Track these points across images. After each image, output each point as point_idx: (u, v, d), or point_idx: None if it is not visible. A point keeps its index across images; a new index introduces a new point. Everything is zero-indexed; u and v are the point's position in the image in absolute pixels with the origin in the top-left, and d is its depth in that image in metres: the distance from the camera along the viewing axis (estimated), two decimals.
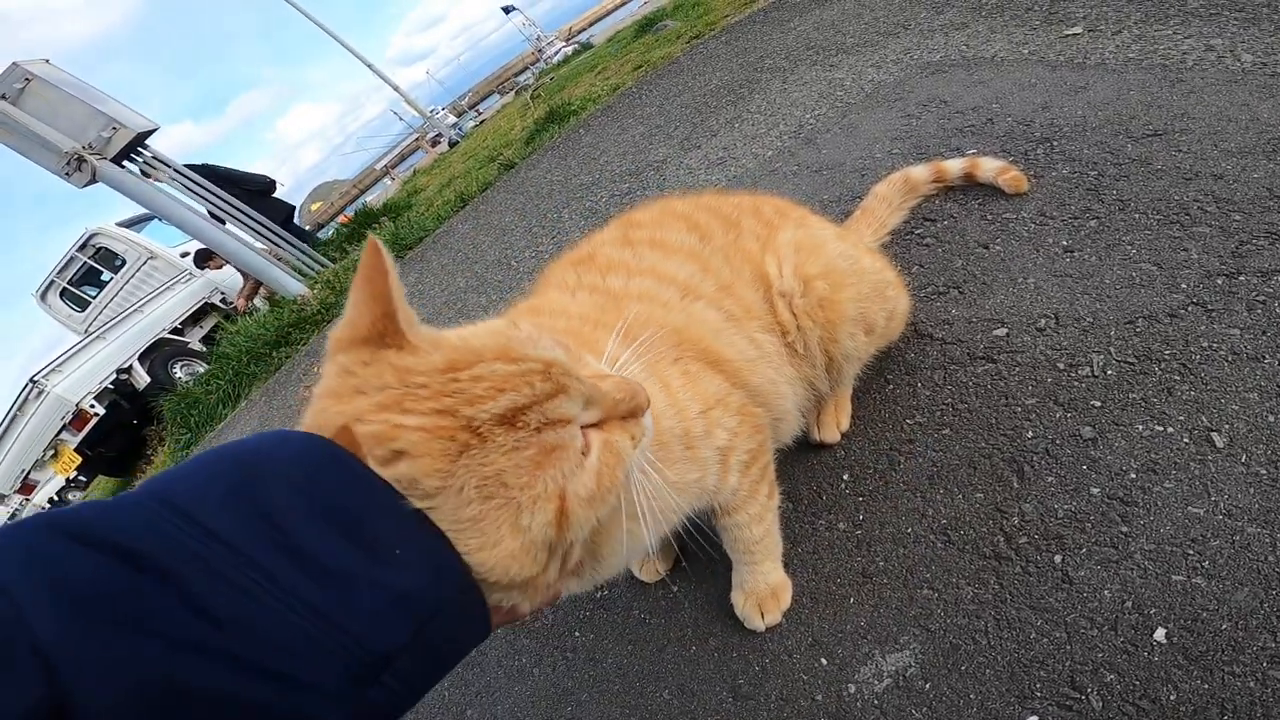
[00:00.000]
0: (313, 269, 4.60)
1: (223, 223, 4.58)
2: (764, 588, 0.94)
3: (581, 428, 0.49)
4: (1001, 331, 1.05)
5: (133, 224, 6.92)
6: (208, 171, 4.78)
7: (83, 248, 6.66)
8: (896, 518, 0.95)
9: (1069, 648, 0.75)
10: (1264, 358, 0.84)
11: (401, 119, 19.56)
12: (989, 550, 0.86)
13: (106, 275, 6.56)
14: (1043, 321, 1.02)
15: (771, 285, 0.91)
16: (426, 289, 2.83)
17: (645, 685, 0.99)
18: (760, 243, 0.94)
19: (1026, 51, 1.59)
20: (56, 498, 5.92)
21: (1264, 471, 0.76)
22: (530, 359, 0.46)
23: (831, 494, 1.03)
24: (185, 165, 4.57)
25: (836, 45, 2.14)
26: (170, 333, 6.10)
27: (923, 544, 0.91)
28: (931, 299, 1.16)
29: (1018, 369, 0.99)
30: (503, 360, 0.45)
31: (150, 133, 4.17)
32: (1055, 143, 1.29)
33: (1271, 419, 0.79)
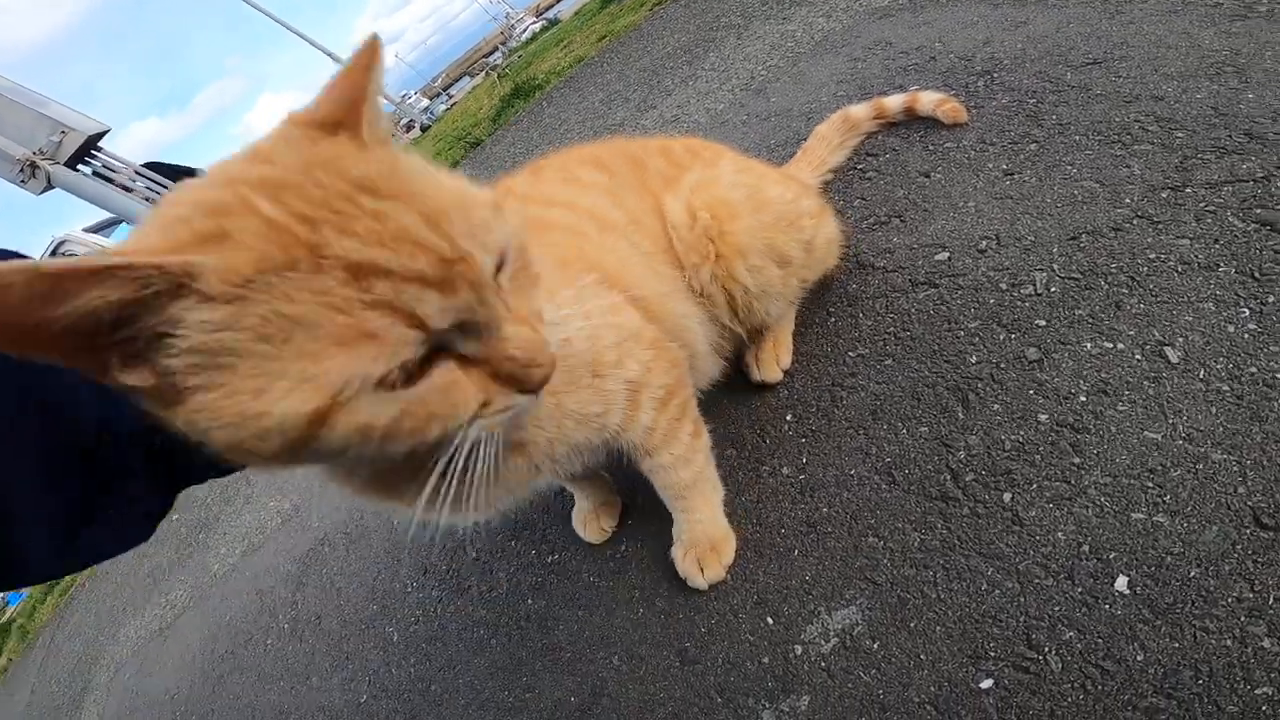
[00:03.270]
0: None
1: None
2: (704, 540, 0.83)
3: (448, 354, 0.37)
4: (943, 256, 0.94)
5: (100, 228, 6.60)
6: (162, 169, 4.44)
7: (52, 255, 6.35)
8: (840, 459, 0.84)
9: (1023, 600, 0.65)
10: (1218, 266, 0.75)
11: None
12: (935, 490, 0.75)
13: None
14: (984, 243, 0.92)
15: (667, 221, 0.81)
16: None
17: (595, 652, 0.88)
18: (665, 181, 0.85)
19: None
20: None
21: (1226, 388, 0.66)
22: (452, 240, 0.35)
23: (775, 437, 0.92)
24: (142, 165, 4.24)
25: None
26: None
27: (867, 486, 0.80)
28: (874, 229, 1.05)
29: (960, 292, 0.89)
30: (426, 221, 0.34)
31: (101, 134, 3.86)
32: (995, 75, 1.18)
33: (1230, 329, 0.70)
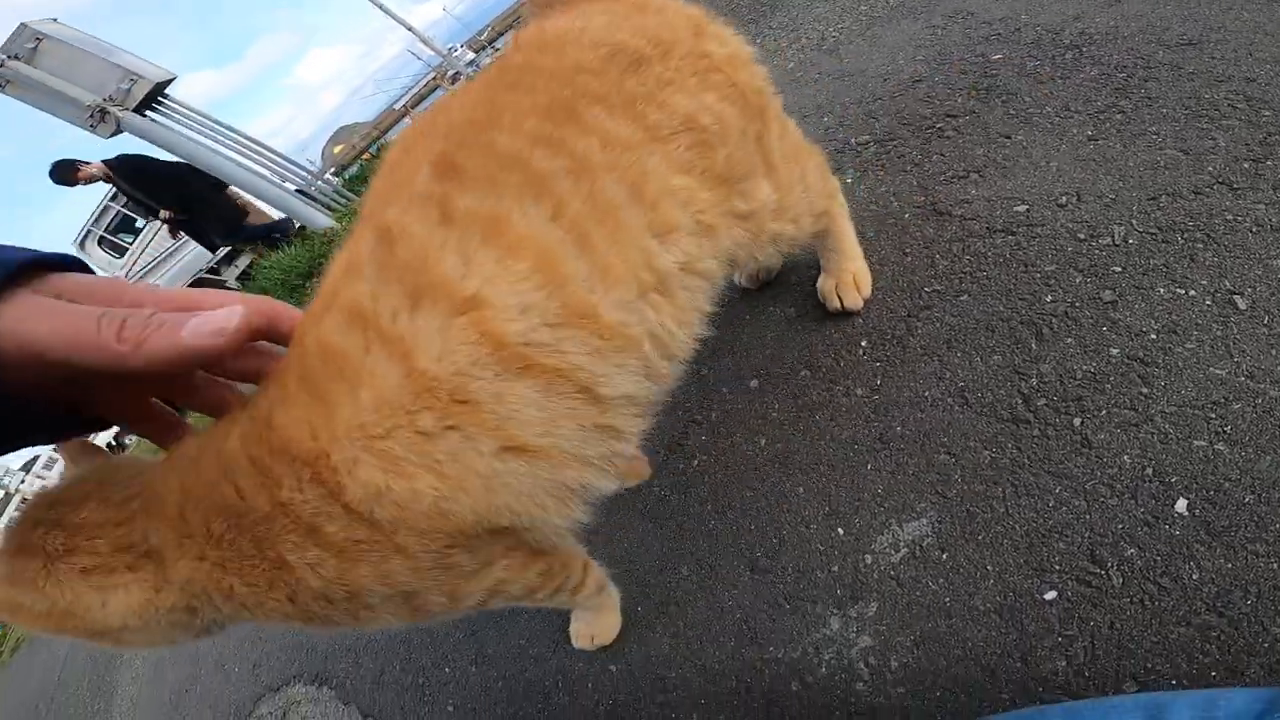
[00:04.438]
0: (340, 204, 4.44)
1: (243, 162, 4.38)
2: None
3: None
4: (1022, 208, 0.99)
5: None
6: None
7: (115, 197, 6.49)
8: (914, 382, 0.90)
9: (1088, 517, 0.70)
10: None
11: (419, 58, 18.34)
12: (1006, 413, 0.81)
13: (141, 222, 6.51)
14: (1064, 199, 0.96)
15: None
16: None
17: (665, 562, 0.94)
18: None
19: None
20: (114, 441, 5.78)
21: None
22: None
23: (850, 360, 0.97)
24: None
25: None
26: (207, 272, 5.98)
27: (940, 407, 0.86)
28: (951, 182, 1.10)
29: (1037, 240, 0.94)
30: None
31: (168, 82, 3.93)
32: (1084, 49, 1.21)
33: None
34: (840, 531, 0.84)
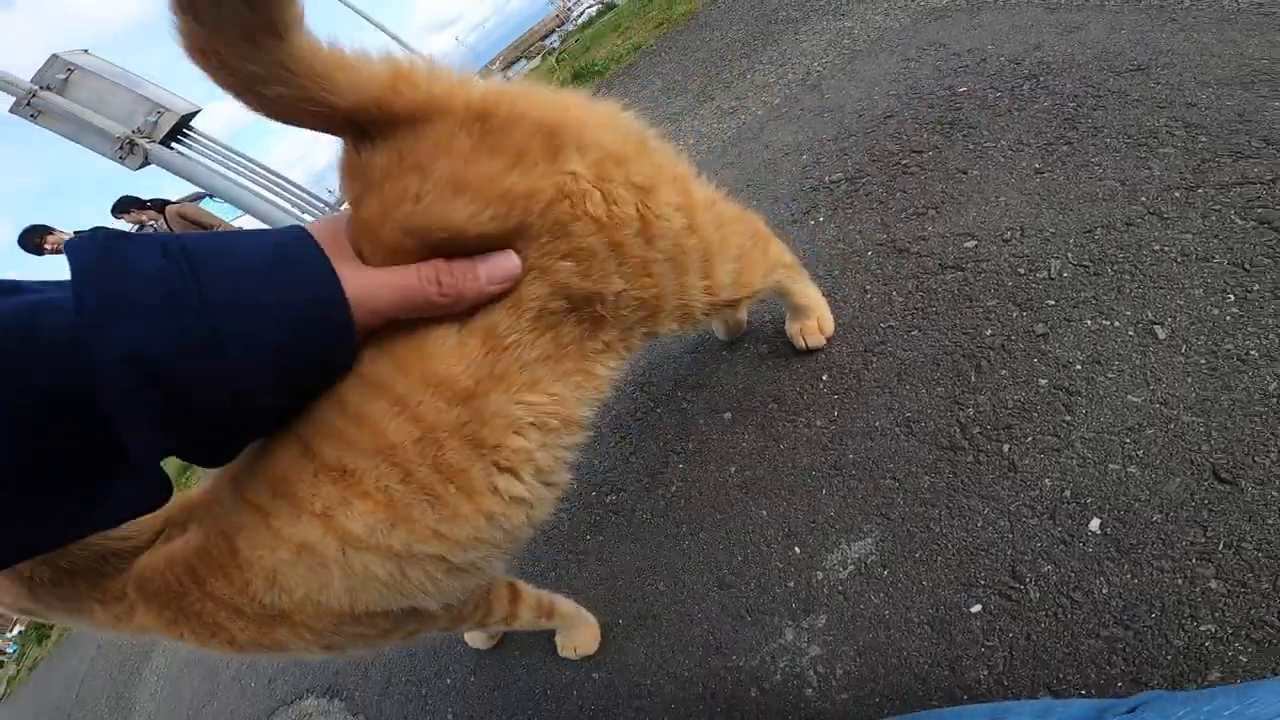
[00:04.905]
0: None
1: (265, 195, 4.67)
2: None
3: None
4: (971, 244, 1.06)
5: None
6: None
7: (142, 227, 7.03)
8: (867, 413, 0.98)
9: (1011, 536, 0.77)
10: (1213, 257, 0.84)
11: None
12: (945, 441, 0.89)
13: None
14: (1009, 234, 1.03)
15: None
16: None
17: (643, 579, 1.04)
18: None
19: None
20: None
21: (1202, 361, 0.77)
22: None
23: (812, 393, 1.06)
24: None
25: None
26: None
27: (888, 436, 0.94)
28: (911, 219, 1.17)
29: (982, 275, 1.01)
30: None
31: (193, 114, 4.16)
32: (1041, 78, 1.26)
33: (1215, 312, 0.80)
34: (797, 550, 0.93)
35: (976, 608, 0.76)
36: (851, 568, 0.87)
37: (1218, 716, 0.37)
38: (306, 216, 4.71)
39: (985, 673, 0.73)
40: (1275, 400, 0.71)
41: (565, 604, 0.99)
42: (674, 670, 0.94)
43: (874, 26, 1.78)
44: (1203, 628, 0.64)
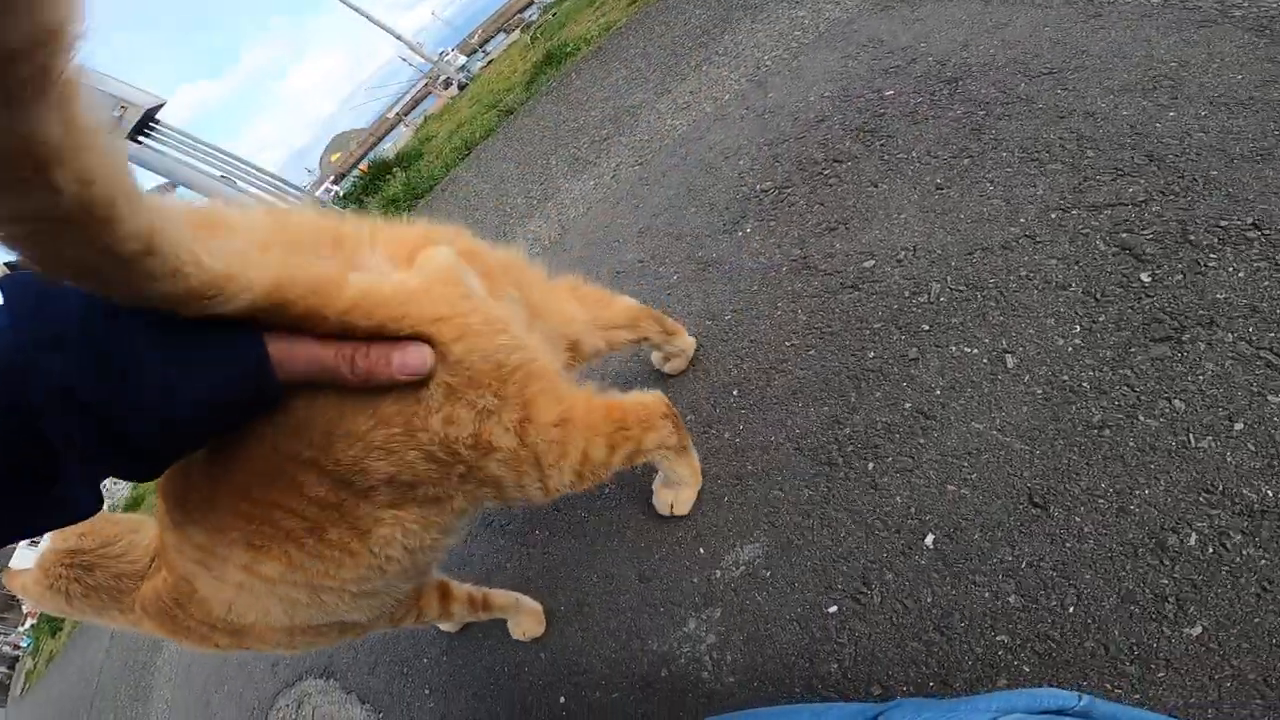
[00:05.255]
0: None
1: (234, 184, 4.69)
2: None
3: None
4: (870, 263, 1.11)
5: (160, 191, 7.26)
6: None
7: None
8: (765, 428, 1.07)
9: (866, 546, 0.87)
10: (1070, 285, 0.89)
11: (410, 65, 18.51)
12: (824, 457, 0.97)
13: None
14: (903, 254, 1.08)
15: None
16: None
17: (580, 571, 1.17)
18: None
19: None
20: None
21: (1039, 391, 0.84)
22: None
23: (724, 407, 1.15)
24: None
25: None
26: None
27: (781, 451, 1.03)
28: (823, 234, 1.22)
29: (874, 296, 1.07)
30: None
31: (158, 107, 4.13)
32: (960, 82, 1.27)
33: (1060, 342, 0.86)
34: (701, 550, 1.04)
35: (833, 609, 0.87)
36: (743, 568, 0.98)
37: None
38: (281, 204, 4.75)
39: (835, 666, 0.84)
40: (1095, 432, 0.77)
41: (501, 597, 1.13)
42: (603, 652, 1.08)
43: (824, 17, 1.76)
44: (998, 638, 0.73)
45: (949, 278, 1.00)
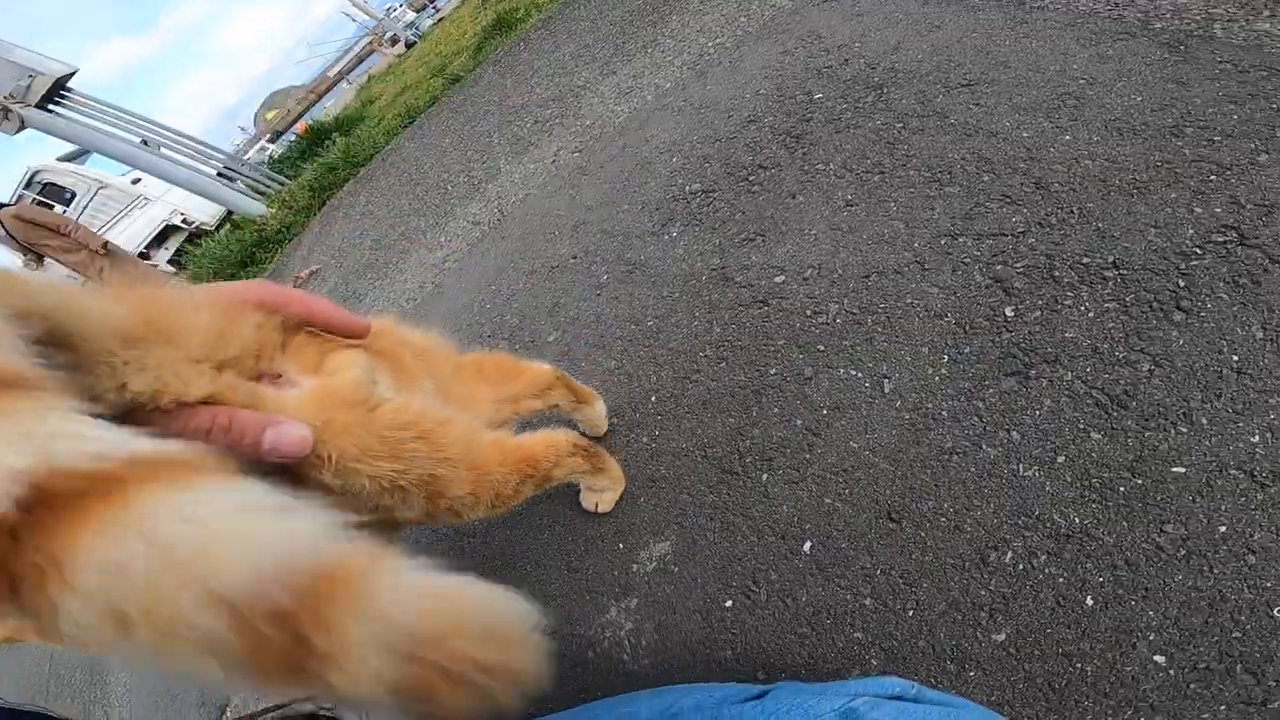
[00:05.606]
0: (270, 188, 4.48)
1: (158, 148, 4.52)
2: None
3: None
4: (780, 279, 1.17)
5: (72, 158, 6.88)
6: None
7: (28, 185, 6.76)
8: (677, 435, 1.16)
9: (756, 550, 0.96)
10: (945, 315, 0.96)
11: (354, 20, 17.49)
12: (726, 466, 1.07)
13: (58, 209, 6.51)
14: (809, 272, 1.14)
15: None
16: (375, 209, 2.96)
17: (516, 561, 1.27)
18: None
19: None
20: None
21: (907, 416, 0.92)
22: None
23: (643, 412, 1.23)
24: None
25: None
26: (137, 257, 6.08)
27: (690, 458, 1.12)
28: (741, 245, 1.27)
29: (780, 314, 1.13)
30: None
31: (69, 75, 4.02)
32: (885, 90, 1.29)
33: (929, 371, 0.94)
34: (621, 545, 1.15)
35: (729, 603, 0.98)
36: (655, 563, 1.09)
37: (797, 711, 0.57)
38: (204, 169, 4.55)
39: (729, 653, 0.96)
40: (946, 457, 0.87)
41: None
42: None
43: (769, 4, 1.74)
44: (855, 635, 0.85)
45: (846, 300, 1.07)
